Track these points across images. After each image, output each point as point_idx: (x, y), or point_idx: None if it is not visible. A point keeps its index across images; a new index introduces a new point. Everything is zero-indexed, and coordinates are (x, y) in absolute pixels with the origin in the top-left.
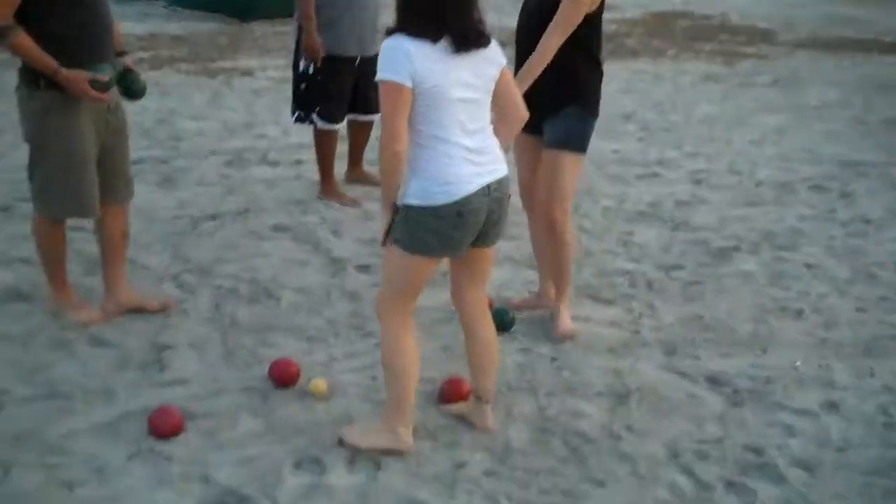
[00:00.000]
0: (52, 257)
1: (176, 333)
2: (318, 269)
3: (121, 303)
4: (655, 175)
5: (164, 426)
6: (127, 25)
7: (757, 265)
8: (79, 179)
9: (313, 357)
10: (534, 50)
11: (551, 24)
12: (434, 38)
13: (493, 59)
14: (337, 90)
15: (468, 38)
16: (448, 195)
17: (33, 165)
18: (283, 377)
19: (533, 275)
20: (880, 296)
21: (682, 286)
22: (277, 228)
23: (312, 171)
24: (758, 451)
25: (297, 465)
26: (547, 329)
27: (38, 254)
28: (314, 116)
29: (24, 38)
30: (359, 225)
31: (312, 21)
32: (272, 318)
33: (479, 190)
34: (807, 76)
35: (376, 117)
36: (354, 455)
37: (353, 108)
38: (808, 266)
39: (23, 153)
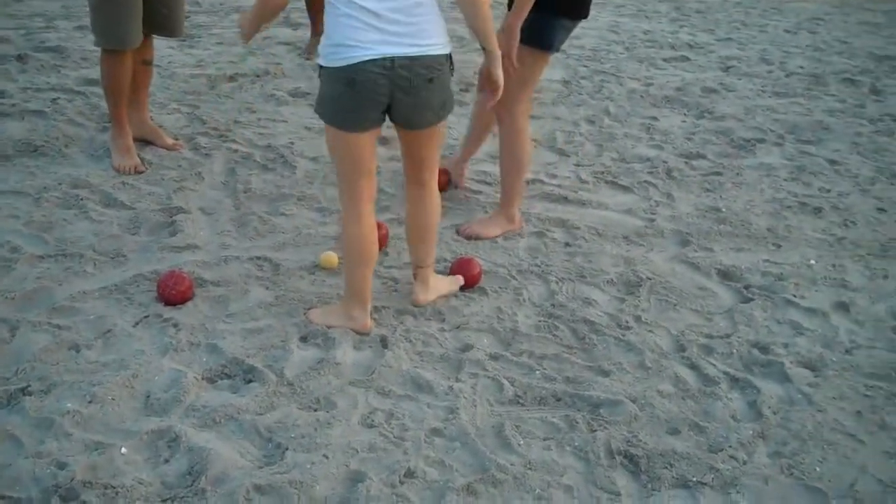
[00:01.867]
0: (111, 90)
1: (189, 197)
2: None
3: (136, 132)
4: (685, 59)
5: (173, 293)
6: None
7: (779, 158)
8: (117, 11)
9: (325, 229)
10: None
11: None
12: None
13: None
14: None
15: None
16: (338, 58)
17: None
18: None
19: (553, 157)
20: None
21: (701, 176)
22: (296, 93)
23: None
24: (764, 349)
25: (304, 339)
26: (562, 215)
27: (101, 85)
28: None
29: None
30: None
31: None
32: (286, 186)
33: (376, 59)
34: None
35: None
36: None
37: None
38: (832, 162)
39: (39, 2)
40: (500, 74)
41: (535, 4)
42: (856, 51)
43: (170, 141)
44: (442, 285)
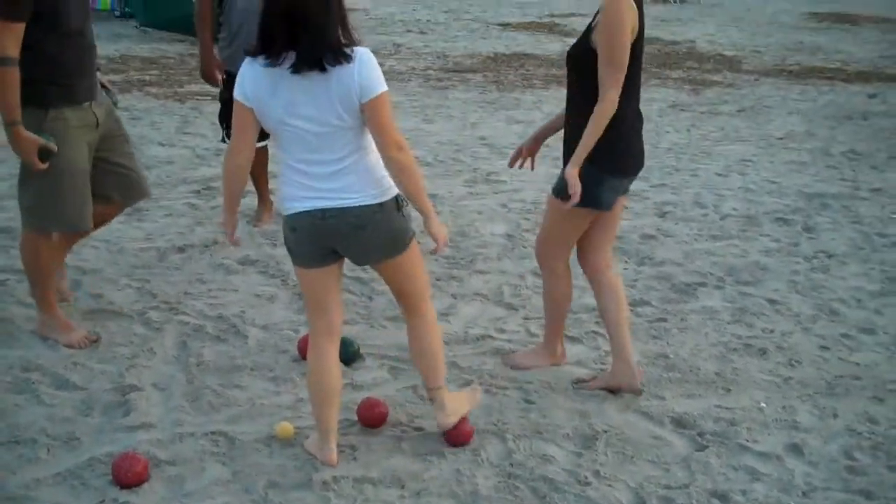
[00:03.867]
0: (41, 275)
1: (141, 373)
2: (286, 304)
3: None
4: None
5: (128, 475)
6: (98, 46)
7: (721, 301)
8: (65, 192)
9: (280, 399)
10: (573, 102)
11: (601, 74)
12: (267, 58)
13: (348, 89)
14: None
15: (304, 60)
16: (284, 208)
17: (23, 181)
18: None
19: (502, 312)
20: (843, 333)
21: (647, 323)
22: (245, 261)
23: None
24: (723, 497)
25: None
26: (513, 371)
27: (26, 273)
28: (224, 135)
29: (12, 75)
30: None
31: (209, 49)
32: (239, 357)
33: (311, 211)
34: (772, 105)
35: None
36: None
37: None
38: (772, 302)
39: None
40: (436, 232)
41: (587, 157)
42: (785, 190)
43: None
44: (461, 404)
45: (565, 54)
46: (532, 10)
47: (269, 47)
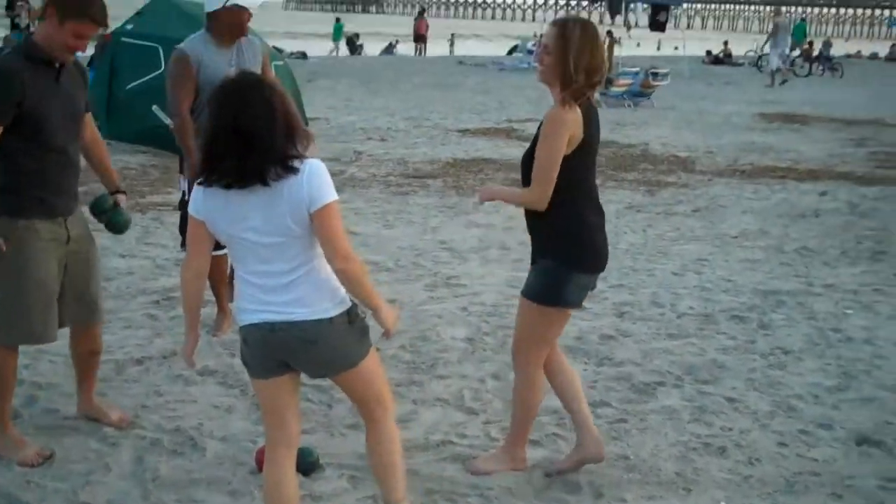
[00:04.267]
0: (2, 389)
1: (96, 491)
2: (244, 415)
3: (82, 410)
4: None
5: None
6: None
7: (680, 400)
8: (31, 304)
9: None
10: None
11: (534, 170)
12: (207, 178)
13: (297, 200)
14: None
15: (249, 174)
16: (237, 318)
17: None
18: None
19: (462, 417)
20: (800, 429)
21: (607, 424)
22: (204, 372)
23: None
24: None
25: None
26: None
27: None
28: (182, 242)
29: None
30: None
31: (192, 150)
32: (196, 471)
33: (260, 324)
34: (726, 204)
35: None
36: None
37: None
38: (730, 400)
39: None
40: (384, 320)
41: (550, 254)
42: (741, 288)
43: (115, 416)
44: None
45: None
46: (490, 116)
47: (214, 162)
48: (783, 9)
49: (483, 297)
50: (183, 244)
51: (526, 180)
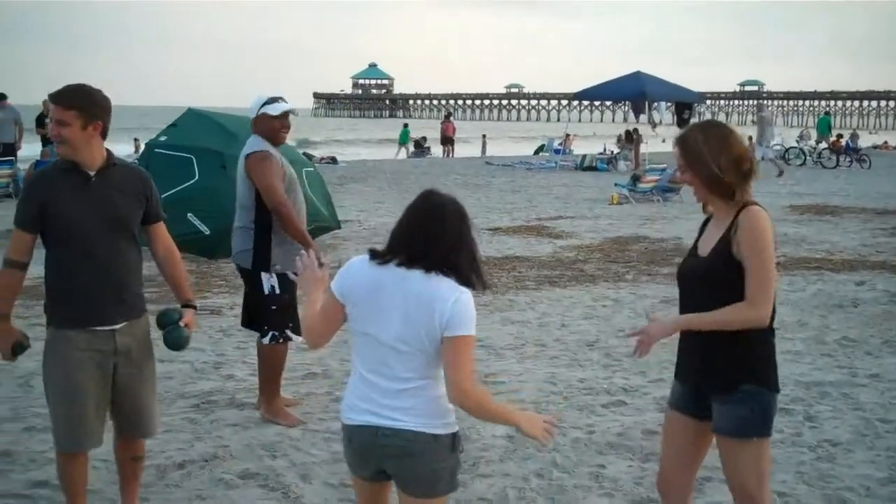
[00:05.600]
0: (66, 489)
1: None
2: None
3: None
4: (622, 403)
5: None
6: None
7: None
8: (68, 412)
9: None
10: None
11: (756, 285)
12: (382, 255)
13: (437, 319)
14: (296, 304)
15: (414, 259)
16: (343, 415)
17: (46, 395)
18: None
19: None
20: None
21: None
22: (245, 475)
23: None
24: None
25: None
26: None
27: (59, 483)
28: (288, 332)
29: (8, 276)
30: (329, 467)
31: (307, 235)
32: None
33: (365, 426)
34: None
35: None
36: None
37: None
38: (781, 494)
39: None
40: (528, 430)
41: (752, 378)
42: (784, 380)
43: None
44: None
45: (683, 272)
46: (520, 215)
47: (399, 254)
48: (766, 103)
49: (522, 395)
50: (273, 336)
51: (703, 295)
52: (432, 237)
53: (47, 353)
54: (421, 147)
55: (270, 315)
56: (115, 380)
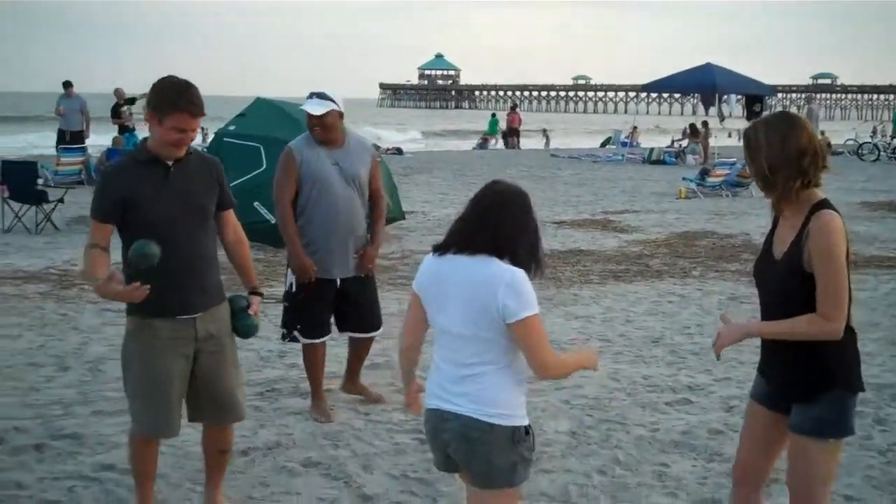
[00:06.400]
0: (139, 473)
1: None
2: None
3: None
4: (687, 401)
5: None
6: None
7: None
8: (151, 399)
9: None
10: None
11: (827, 295)
12: (441, 246)
13: (489, 305)
14: (318, 309)
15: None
16: (424, 405)
17: (125, 382)
18: None
19: None
20: None
21: None
22: (308, 463)
23: (343, 402)
24: None
25: None
26: None
27: (130, 466)
28: (296, 333)
29: (94, 254)
30: (391, 458)
31: (296, 243)
32: None
33: (434, 410)
34: None
35: (373, 334)
36: None
37: (349, 327)
38: (848, 498)
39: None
40: (591, 366)
41: (839, 383)
42: None
43: None
44: None
45: (759, 272)
46: (585, 208)
47: (456, 242)
48: (816, 96)
49: (585, 390)
50: (285, 336)
51: (780, 298)
52: (491, 223)
53: (128, 342)
54: (490, 140)
55: (283, 312)
56: (199, 366)
